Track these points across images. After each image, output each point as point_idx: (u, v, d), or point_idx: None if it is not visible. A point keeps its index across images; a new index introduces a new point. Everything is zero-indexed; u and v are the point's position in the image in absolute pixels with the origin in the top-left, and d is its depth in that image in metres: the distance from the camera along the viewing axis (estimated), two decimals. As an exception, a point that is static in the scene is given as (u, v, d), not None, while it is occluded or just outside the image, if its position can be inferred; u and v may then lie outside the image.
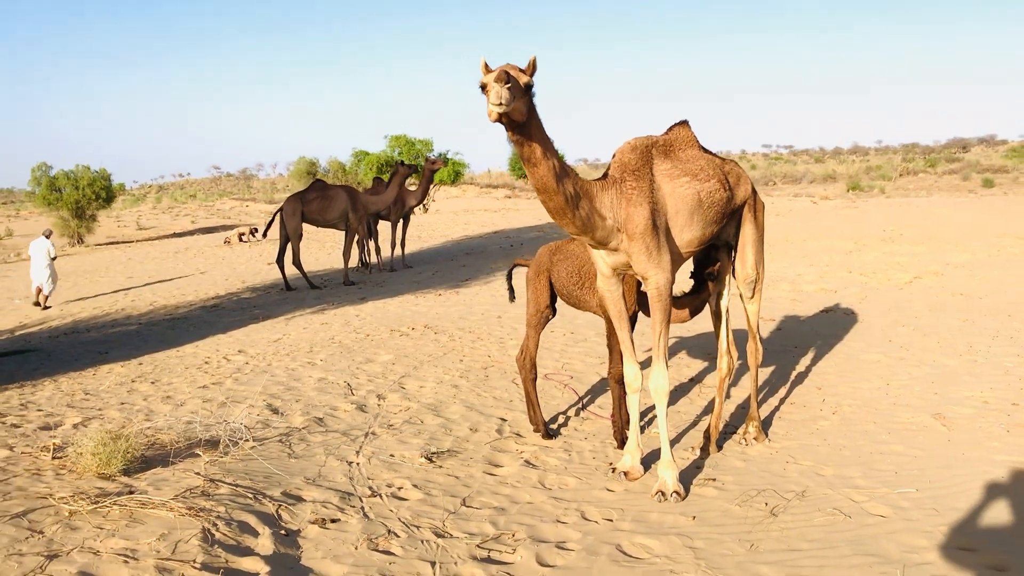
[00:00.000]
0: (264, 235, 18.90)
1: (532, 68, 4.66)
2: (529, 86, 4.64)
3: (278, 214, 17.16)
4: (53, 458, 5.82)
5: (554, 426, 7.19)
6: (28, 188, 39.55)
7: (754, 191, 6.42)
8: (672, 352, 9.34)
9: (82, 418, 7.21)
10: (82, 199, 35.48)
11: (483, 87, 4.55)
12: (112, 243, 35.09)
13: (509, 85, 4.45)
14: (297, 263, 16.86)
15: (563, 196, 4.99)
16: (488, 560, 4.70)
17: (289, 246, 17.02)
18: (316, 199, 17.13)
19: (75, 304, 17.03)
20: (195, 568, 4.23)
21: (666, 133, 6.02)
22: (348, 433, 6.93)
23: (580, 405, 7.75)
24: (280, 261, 17.02)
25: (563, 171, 4.99)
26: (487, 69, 4.58)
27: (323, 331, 11.71)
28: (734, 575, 4.49)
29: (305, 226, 17.39)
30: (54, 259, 17.97)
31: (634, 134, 5.85)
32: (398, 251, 20.54)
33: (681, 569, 4.58)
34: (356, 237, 18.10)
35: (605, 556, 4.76)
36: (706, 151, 6.12)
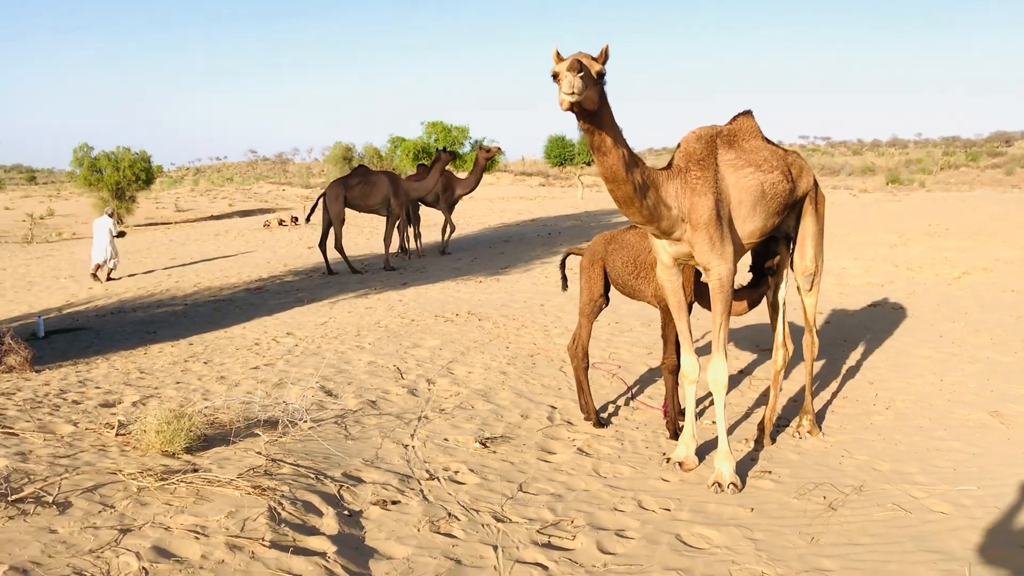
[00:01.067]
0: (307, 220, 19.03)
1: (604, 56, 4.65)
2: (601, 74, 4.63)
3: (321, 199, 17.28)
4: (117, 435, 5.92)
5: (604, 415, 7.20)
6: (69, 169, 40.04)
7: (816, 183, 6.37)
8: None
9: (140, 396, 7.33)
10: (122, 180, 35.83)
11: (555, 76, 4.54)
12: (151, 224, 35.47)
13: (582, 74, 4.44)
14: (339, 247, 16.97)
15: (632, 185, 4.98)
16: (549, 546, 4.73)
17: (332, 230, 17.12)
18: (359, 184, 17.22)
19: (120, 284, 17.27)
20: (264, 546, 4.30)
21: (730, 123, 5.99)
22: (401, 416, 6.99)
23: (629, 395, 7.75)
24: (323, 245, 17.15)
25: (632, 160, 4.99)
26: (559, 58, 4.57)
27: (368, 315, 11.79)
28: (796, 567, 4.49)
29: (347, 211, 17.47)
30: (116, 236, 18.78)
31: (686, 128, 5.83)
32: (429, 238, 20.63)
33: (743, 560, 4.58)
34: (397, 223, 18.17)
35: (665, 545, 4.78)
36: (769, 142, 6.08)
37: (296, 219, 28.45)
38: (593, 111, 4.68)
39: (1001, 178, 43.79)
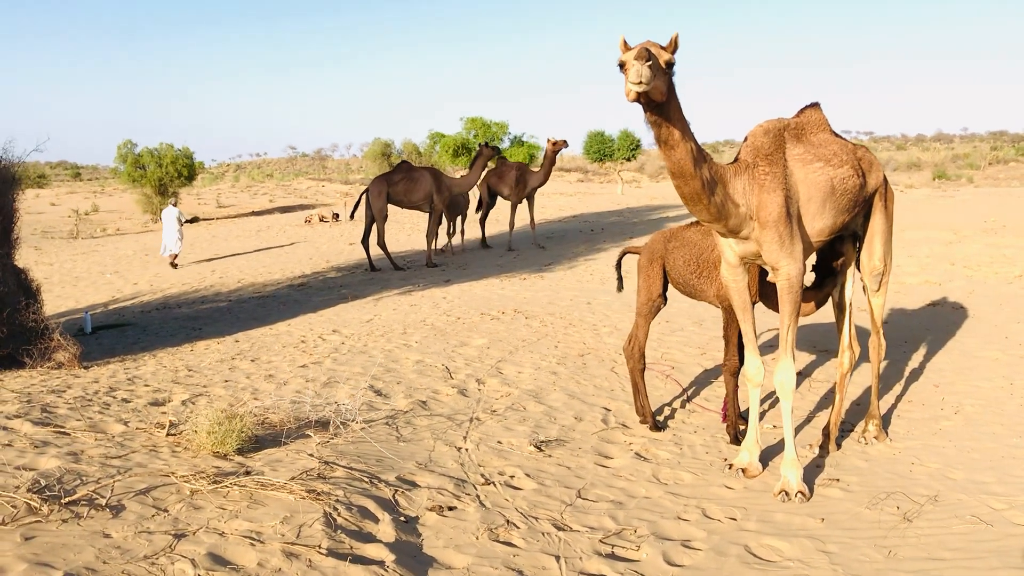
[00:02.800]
0: (351, 216, 18.95)
1: (674, 45, 4.45)
2: (670, 64, 4.44)
3: (364, 195, 17.21)
4: (168, 435, 5.83)
5: (660, 418, 7.01)
6: (112, 165, 40.43)
7: (885, 179, 6.11)
8: (775, 343, 9.03)
9: (189, 395, 7.25)
10: (165, 176, 36.14)
11: (621, 65, 4.36)
12: (192, 220, 35.76)
13: (650, 63, 4.25)
14: (382, 244, 16.89)
15: (700, 181, 4.78)
16: (613, 556, 4.55)
17: (375, 227, 17.05)
18: (402, 180, 17.13)
19: (164, 279, 17.35)
20: (321, 553, 4.16)
21: (797, 115, 5.76)
22: (453, 418, 6.84)
23: (684, 397, 7.54)
24: (365, 242, 17.09)
25: (700, 155, 4.79)
26: (626, 47, 4.39)
27: (413, 313, 11.68)
28: (875, 584, 4.26)
29: (390, 207, 17.40)
30: (183, 224, 20.35)
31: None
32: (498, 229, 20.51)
33: (817, 574, 4.36)
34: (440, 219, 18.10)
35: (734, 557, 4.58)
36: (837, 135, 5.84)
37: (337, 215, 28.48)
38: (661, 102, 4.49)
39: (1053, 174, 42.74)
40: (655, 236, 6.79)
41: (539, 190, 20.30)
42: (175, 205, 20.86)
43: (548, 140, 19.15)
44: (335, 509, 4.70)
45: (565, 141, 19.42)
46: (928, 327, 9.78)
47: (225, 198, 45.65)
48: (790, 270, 5.26)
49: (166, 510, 4.54)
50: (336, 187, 51.46)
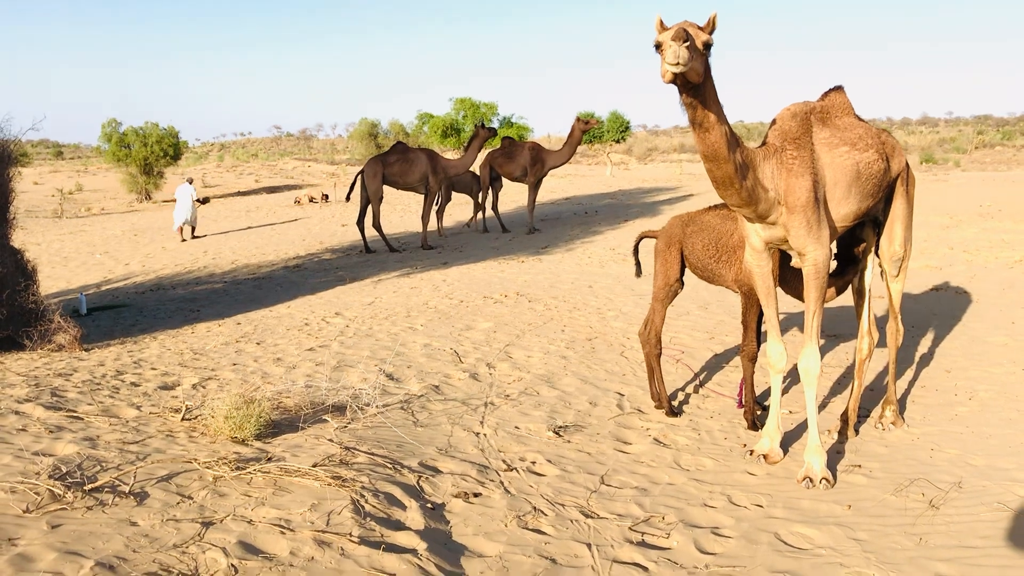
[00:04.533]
0: (347, 198, 18.70)
1: (711, 26, 4.37)
2: (708, 45, 4.35)
3: (359, 176, 17.05)
4: (183, 419, 5.74)
5: (675, 403, 6.96)
6: (96, 144, 39.92)
7: (907, 164, 6.06)
8: (788, 328, 9.01)
9: (199, 378, 7.15)
10: (150, 156, 35.73)
11: (658, 46, 4.26)
12: (205, 201, 35.35)
13: (687, 43, 4.16)
14: (377, 225, 16.77)
15: (733, 165, 4.71)
16: (644, 544, 4.51)
17: (370, 208, 16.91)
18: (397, 161, 16.97)
19: (156, 260, 17.15)
20: (353, 542, 4.10)
21: (822, 99, 5.69)
22: (467, 402, 6.77)
23: (697, 382, 7.50)
24: (360, 223, 16.95)
25: (733, 138, 4.71)
26: (662, 27, 4.29)
27: (414, 296, 11.58)
28: (910, 572, 4.24)
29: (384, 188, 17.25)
30: (199, 201, 21.40)
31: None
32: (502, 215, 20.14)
33: (851, 563, 4.33)
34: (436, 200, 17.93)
35: (765, 545, 4.54)
36: (860, 119, 5.78)
37: (327, 196, 28.28)
38: (697, 84, 4.40)
39: (1039, 158, 43.01)
40: (673, 220, 6.73)
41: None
42: (190, 183, 21.51)
43: (577, 117, 18.50)
44: (362, 496, 4.63)
45: (598, 120, 18.77)
46: (934, 312, 9.79)
47: (210, 178, 45.20)
48: (817, 255, 5.21)
49: (191, 497, 4.46)
50: (322, 167, 51.13)
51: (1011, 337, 8.61)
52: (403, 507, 4.64)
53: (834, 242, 5.67)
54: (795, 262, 5.52)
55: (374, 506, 4.56)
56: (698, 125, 4.57)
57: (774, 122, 5.38)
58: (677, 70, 4.20)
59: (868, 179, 5.49)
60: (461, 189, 19.85)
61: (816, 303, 5.31)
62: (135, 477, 4.60)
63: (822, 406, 6.88)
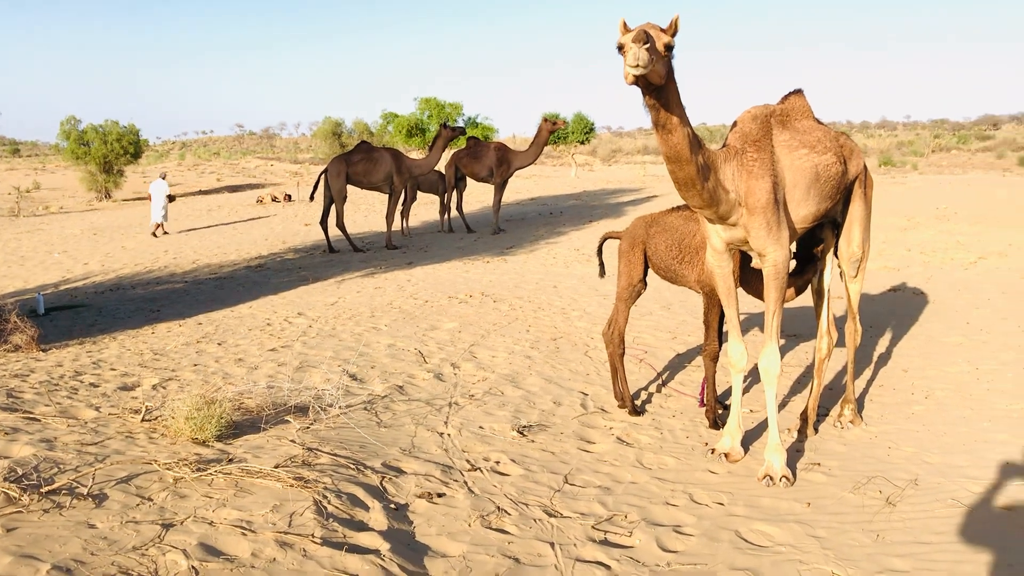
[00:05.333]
0: (311, 198, 18.55)
1: (674, 28, 4.40)
2: (670, 47, 4.38)
3: (323, 175, 16.95)
4: (143, 420, 5.67)
5: (638, 402, 7.01)
6: (54, 141, 39.27)
7: (865, 167, 6.16)
8: (749, 328, 9.11)
9: (159, 379, 7.07)
10: (110, 154, 35.23)
11: (620, 47, 4.29)
12: (139, 199, 34.93)
13: (648, 45, 4.19)
14: (341, 225, 16.68)
15: (695, 167, 4.76)
16: (606, 543, 4.54)
17: (333, 208, 16.81)
18: (361, 161, 16.90)
19: (115, 259, 16.92)
20: (315, 543, 4.08)
21: (781, 102, 5.77)
22: (431, 403, 6.77)
23: (660, 381, 7.56)
24: (324, 223, 16.85)
25: (695, 140, 4.76)
26: (625, 28, 4.32)
27: (379, 296, 11.54)
28: (867, 568, 4.31)
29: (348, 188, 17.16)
30: (169, 198, 21.39)
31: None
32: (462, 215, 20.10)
33: (810, 560, 4.40)
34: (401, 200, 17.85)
35: (726, 543, 4.59)
36: (819, 122, 5.86)
37: (289, 196, 28.07)
38: (659, 86, 4.44)
39: (992, 161, 43.88)
40: (636, 221, 6.77)
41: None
42: (164, 179, 21.65)
43: (544, 118, 18.42)
44: (324, 497, 4.61)
45: (565, 121, 18.85)
46: (892, 312, 9.95)
47: (172, 176, 44.55)
48: (777, 256, 5.28)
49: (151, 499, 4.41)
50: (285, 166, 50.75)
51: (966, 337, 8.77)
52: (366, 508, 4.63)
53: (794, 243, 5.75)
54: (755, 263, 5.59)
55: (337, 507, 4.54)
56: (661, 127, 4.61)
57: (735, 124, 5.44)
58: (638, 72, 4.23)
59: (826, 181, 5.57)
60: (427, 189, 19.80)
61: (776, 303, 5.38)
62: (94, 479, 4.54)
63: (783, 405, 6.96)
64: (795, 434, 6.28)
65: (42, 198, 34.98)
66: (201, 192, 37.10)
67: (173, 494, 4.49)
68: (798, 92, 5.89)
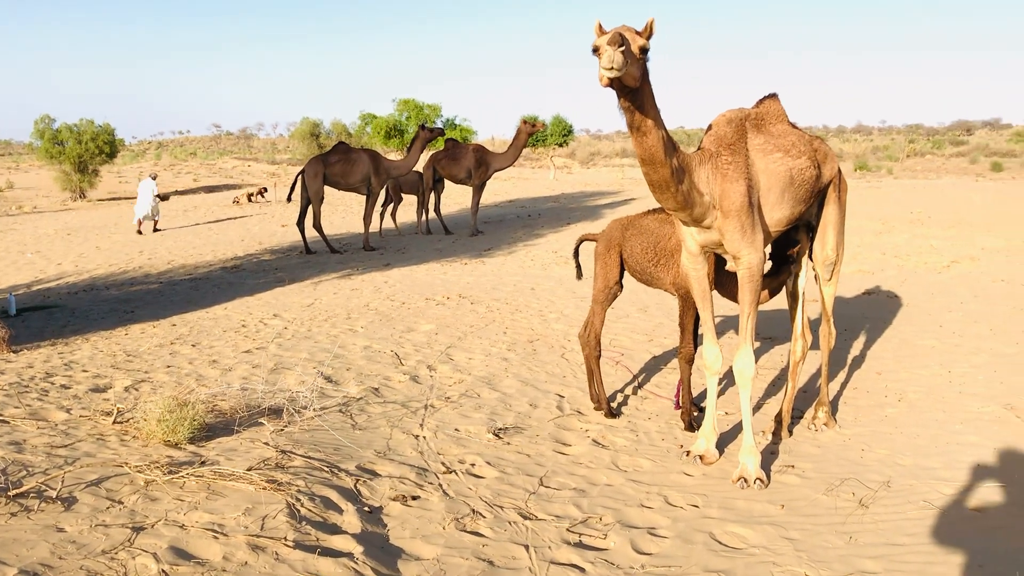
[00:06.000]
0: (288, 199, 18.41)
1: (649, 31, 4.41)
2: (644, 50, 4.39)
3: (300, 176, 16.86)
4: (114, 423, 5.61)
5: (614, 404, 7.01)
6: (28, 140, 38.82)
7: (839, 170, 6.20)
8: (724, 331, 9.14)
9: (132, 380, 7.00)
10: (85, 153, 34.86)
11: (595, 49, 4.29)
12: (114, 199, 34.62)
13: (623, 48, 4.20)
14: (318, 226, 16.59)
15: (670, 169, 4.77)
16: (581, 545, 4.54)
17: (310, 209, 16.73)
18: (339, 162, 16.81)
19: (89, 260, 16.73)
20: (288, 546, 4.05)
21: (756, 106, 5.80)
22: (407, 405, 6.74)
23: (636, 383, 7.57)
24: (301, 224, 16.75)
25: (670, 142, 4.77)
26: (601, 31, 4.33)
27: (355, 297, 11.49)
28: (839, 570, 4.33)
29: (326, 189, 17.08)
30: (159, 198, 21.45)
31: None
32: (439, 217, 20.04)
33: (784, 561, 4.42)
34: (382, 200, 17.79)
35: (701, 545, 4.60)
36: (794, 126, 5.90)
37: (265, 190, 27.87)
38: (634, 89, 4.45)
39: (966, 166, 44.42)
40: (612, 223, 6.78)
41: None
42: (153, 178, 21.66)
43: (522, 120, 18.41)
44: (298, 500, 4.58)
45: (544, 123, 18.94)
46: (866, 315, 10.02)
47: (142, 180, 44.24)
48: (751, 259, 5.30)
49: (121, 502, 4.37)
50: (263, 167, 50.44)
51: (939, 340, 8.85)
52: (340, 511, 4.61)
53: (768, 245, 5.78)
54: (730, 266, 5.61)
55: (310, 510, 4.51)
56: (636, 129, 4.62)
57: (710, 128, 5.46)
58: (612, 74, 4.24)
59: (801, 185, 5.60)
60: (409, 190, 19.75)
61: (750, 306, 5.40)
62: (63, 482, 4.49)
63: (758, 407, 6.99)
64: (770, 436, 6.31)
65: (15, 198, 34.55)
66: (177, 192, 36.78)
67: (144, 497, 4.44)
68: (773, 96, 5.93)
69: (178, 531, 4.09)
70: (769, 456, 5.95)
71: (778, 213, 5.53)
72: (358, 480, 5.08)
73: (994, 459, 5.84)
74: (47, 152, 34.91)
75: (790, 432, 6.38)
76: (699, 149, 5.35)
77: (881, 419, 6.70)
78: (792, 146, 5.60)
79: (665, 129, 4.75)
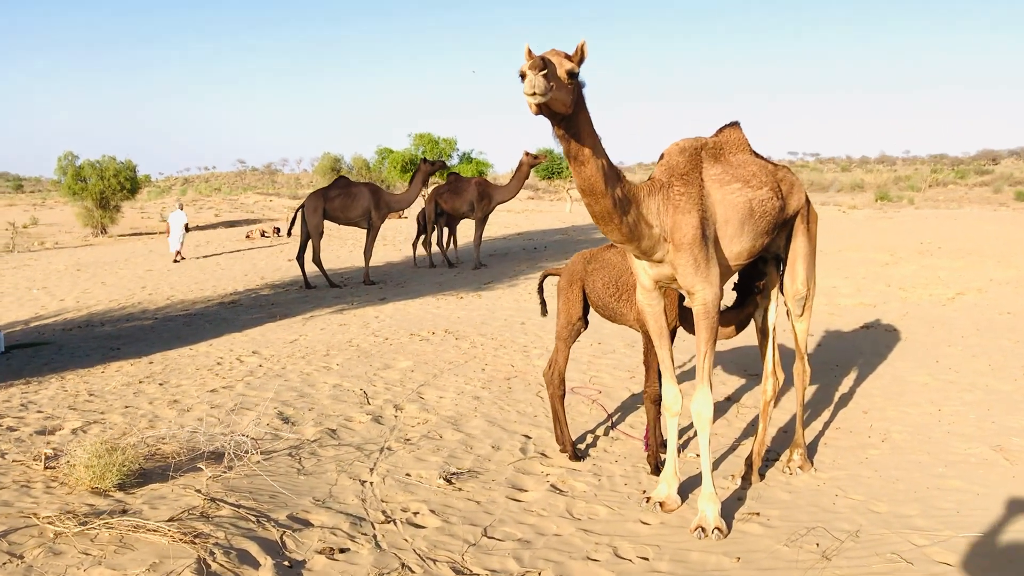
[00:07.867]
0: (288, 233, 18.37)
1: (580, 55, 4.19)
2: (573, 74, 4.16)
3: (300, 211, 16.78)
4: (45, 468, 5.41)
5: (582, 446, 6.72)
6: (55, 177, 39.40)
7: (808, 201, 5.92)
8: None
9: (83, 422, 6.81)
10: (107, 189, 35.24)
11: (522, 75, 4.08)
12: (135, 234, 34.88)
13: (544, 72, 3.98)
14: (317, 261, 16.47)
15: (611, 200, 4.53)
16: (511, 603, 4.24)
17: (310, 243, 16.63)
18: (339, 196, 16.72)
19: (91, 296, 16.71)
20: (187, 606, 3.80)
21: (716, 135, 5.55)
22: (362, 448, 6.49)
23: (610, 423, 7.28)
24: (300, 258, 16.65)
25: (612, 172, 4.53)
26: (530, 55, 4.11)
27: (341, 333, 11.29)
28: (787, 631, 4.00)
29: (327, 223, 16.98)
30: (186, 226, 22.64)
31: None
32: (446, 248, 19.93)
33: (727, 621, 4.09)
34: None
35: (641, 602, 4.29)
36: (758, 156, 5.64)
37: (278, 230, 27.92)
38: (566, 115, 4.22)
39: (989, 196, 43.67)
40: (575, 258, 6.53)
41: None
42: (181, 208, 22.94)
43: (525, 152, 18.35)
44: (211, 554, 4.33)
45: (546, 155, 19.01)
46: (860, 350, 9.65)
47: (169, 212, 44.62)
48: (706, 295, 5.02)
49: (21, 556, 4.14)
50: (284, 202, 50.69)
51: (933, 376, 8.47)
52: (256, 565, 4.34)
53: (729, 280, 5.50)
54: (688, 301, 5.34)
55: (222, 565, 4.26)
56: (573, 158, 4.39)
57: (662, 157, 5.22)
58: (535, 100, 4.02)
59: (762, 217, 5.33)
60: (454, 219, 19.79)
61: (707, 344, 5.11)
62: (-36, 534, 4.27)
63: (732, 449, 6.67)
64: (739, 480, 5.98)
65: (38, 234, 34.90)
66: (197, 228, 36.98)
67: (48, 551, 4.21)
68: (734, 125, 5.69)
69: (73, 589, 3.86)
70: (736, 502, 5.62)
71: (737, 246, 5.26)
72: (285, 531, 4.81)
73: (975, 505, 5.47)
74: (70, 188, 35.36)
75: (761, 476, 6.05)
76: (649, 179, 5.11)
77: (861, 461, 6.35)
78: (752, 176, 5.34)
79: (606, 158, 4.51)
